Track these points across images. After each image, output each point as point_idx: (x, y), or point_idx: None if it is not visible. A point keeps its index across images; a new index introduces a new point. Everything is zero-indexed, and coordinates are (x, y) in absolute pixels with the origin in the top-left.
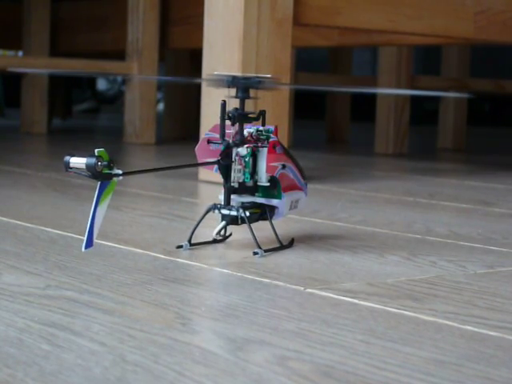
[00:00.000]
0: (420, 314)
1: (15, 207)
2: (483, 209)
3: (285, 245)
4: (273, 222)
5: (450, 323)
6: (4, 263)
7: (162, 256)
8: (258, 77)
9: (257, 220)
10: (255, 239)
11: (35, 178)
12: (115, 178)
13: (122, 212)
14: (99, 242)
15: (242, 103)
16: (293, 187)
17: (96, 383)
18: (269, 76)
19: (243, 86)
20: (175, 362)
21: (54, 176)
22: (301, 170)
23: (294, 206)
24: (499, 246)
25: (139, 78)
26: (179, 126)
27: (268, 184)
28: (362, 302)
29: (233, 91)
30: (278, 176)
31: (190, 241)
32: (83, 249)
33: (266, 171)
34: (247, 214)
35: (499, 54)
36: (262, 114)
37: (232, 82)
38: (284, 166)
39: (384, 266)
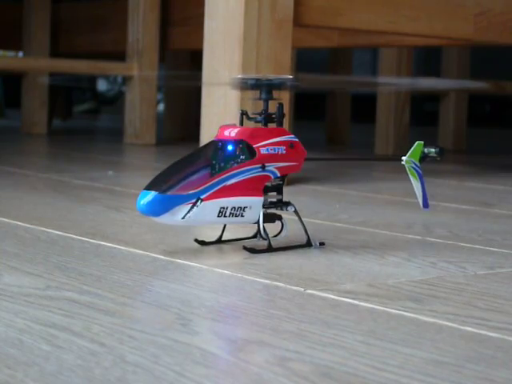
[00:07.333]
0: (420, 315)
1: (16, 208)
2: (483, 210)
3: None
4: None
5: (450, 324)
6: (4, 264)
7: (162, 257)
8: (280, 78)
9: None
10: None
11: (35, 178)
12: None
13: (122, 213)
14: (99, 242)
15: (266, 104)
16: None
17: None
18: (290, 77)
19: (267, 88)
20: (175, 362)
21: (55, 177)
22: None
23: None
24: (499, 247)
25: (168, 85)
26: (179, 126)
27: None
28: (362, 303)
29: (256, 93)
30: None
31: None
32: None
33: None
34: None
35: (499, 55)
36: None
37: (256, 84)
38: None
39: (384, 267)
